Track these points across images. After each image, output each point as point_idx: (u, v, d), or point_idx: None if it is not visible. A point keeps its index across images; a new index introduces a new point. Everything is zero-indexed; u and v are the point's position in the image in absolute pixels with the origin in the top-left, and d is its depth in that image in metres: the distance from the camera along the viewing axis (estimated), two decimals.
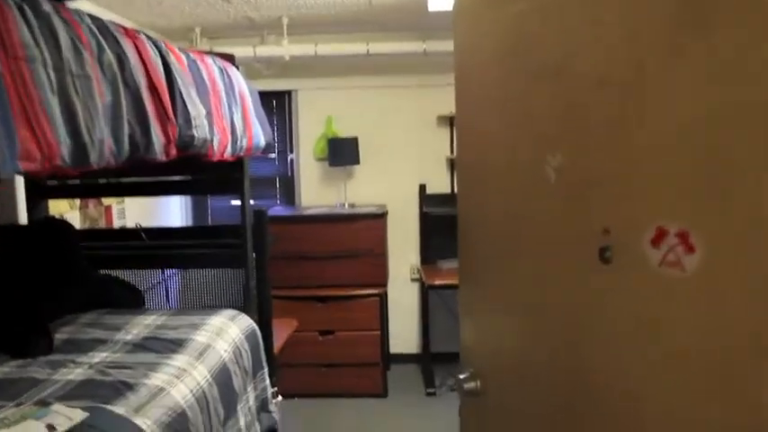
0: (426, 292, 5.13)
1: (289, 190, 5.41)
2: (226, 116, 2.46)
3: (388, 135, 5.25)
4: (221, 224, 5.07)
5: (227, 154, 2.45)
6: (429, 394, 4.79)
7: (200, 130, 2.05)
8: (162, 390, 2.07)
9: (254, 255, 3.02)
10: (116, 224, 4.10)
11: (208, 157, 2.16)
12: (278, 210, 5.06)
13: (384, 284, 4.77)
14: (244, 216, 2.93)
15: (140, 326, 2.68)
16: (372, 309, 4.65)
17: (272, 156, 5.38)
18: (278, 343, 3.30)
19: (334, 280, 4.69)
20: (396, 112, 5.24)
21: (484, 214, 1.67)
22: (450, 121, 5.25)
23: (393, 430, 4.30)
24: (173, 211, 5.25)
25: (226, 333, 2.66)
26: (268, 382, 2.95)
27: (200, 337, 2.54)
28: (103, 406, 1.87)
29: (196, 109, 2.06)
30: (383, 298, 4.73)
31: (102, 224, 3.97)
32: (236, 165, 2.85)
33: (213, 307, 3.14)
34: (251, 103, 2.77)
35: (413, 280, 5.38)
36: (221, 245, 3.06)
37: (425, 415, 4.50)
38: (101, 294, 3.02)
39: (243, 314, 2.91)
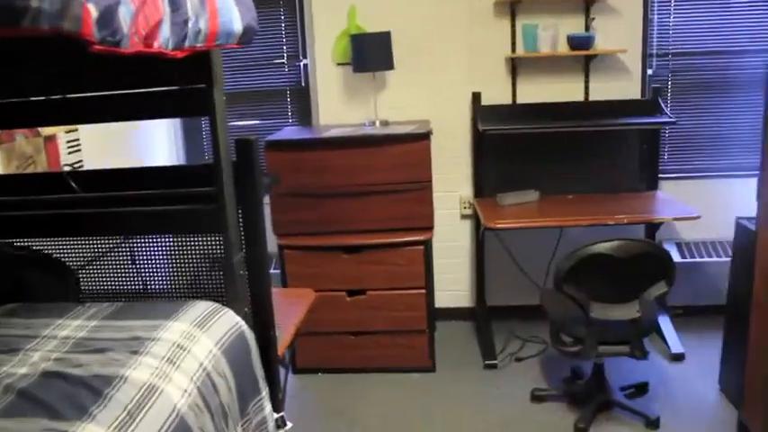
0: (482, 233, 4.01)
1: (303, 106, 4.24)
2: None
3: (430, 29, 4.02)
4: (193, 164, 3.96)
5: (162, 42, 1.30)
6: (488, 366, 3.74)
7: None
8: None
9: (238, 211, 1.90)
10: (65, 163, 3.00)
11: (83, 36, 1.00)
12: (289, 132, 3.90)
13: (430, 227, 3.64)
14: (217, 150, 1.79)
15: (48, 346, 1.61)
16: (416, 260, 3.55)
17: (280, 62, 4.19)
18: (286, 334, 2.22)
19: (364, 223, 3.59)
20: None
21: None
22: (511, 8, 3.97)
23: (444, 416, 3.28)
24: (157, 146, 4.13)
25: (188, 356, 1.57)
26: (269, 410, 1.89)
27: (139, 373, 1.45)
28: None
29: None
30: (429, 245, 3.61)
31: (43, 165, 2.87)
32: (200, 67, 1.71)
33: (185, 296, 2.05)
34: None
35: (464, 217, 4.25)
36: (188, 196, 1.94)
37: (485, 394, 3.46)
38: (6, 280, 1.95)
39: (224, 309, 1.82)
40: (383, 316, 3.60)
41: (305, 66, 4.17)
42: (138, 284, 2.10)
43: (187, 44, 1.43)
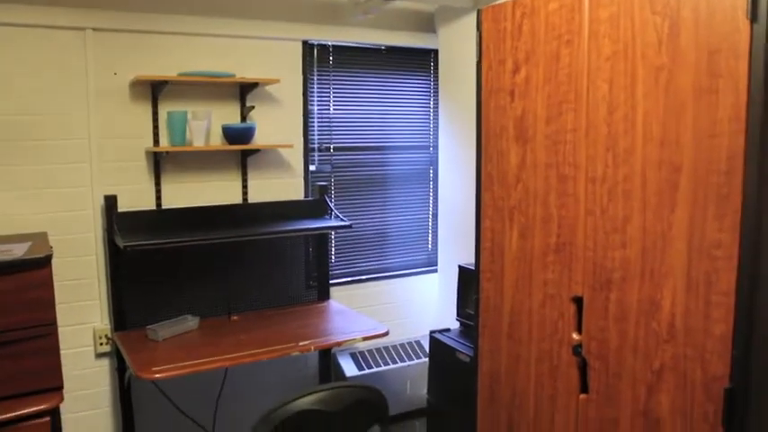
0: (129, 378, 3.09)
1: None
2: None
3: (44, 113, 3.02)
4: None
5: None
6: None
7: None
8: None
9: None
10: None
11: None
12: None
13: (58, 387, 2.60)
14: None
15: None
16: None
17: None
18: None
19: None
20: (55, 72, 3.03)
21: None
22: (153, 90, 3.21)
23: None
24: None
25: None
26: None
27: None
28: None
29: None
30: (57, 414, 2.57)
31: None
32: None
33: None
34: None
35: (100, 355, 3.25)
36: None
37: None
38: None
39: None
40: None
41: None
42: None
43: None
